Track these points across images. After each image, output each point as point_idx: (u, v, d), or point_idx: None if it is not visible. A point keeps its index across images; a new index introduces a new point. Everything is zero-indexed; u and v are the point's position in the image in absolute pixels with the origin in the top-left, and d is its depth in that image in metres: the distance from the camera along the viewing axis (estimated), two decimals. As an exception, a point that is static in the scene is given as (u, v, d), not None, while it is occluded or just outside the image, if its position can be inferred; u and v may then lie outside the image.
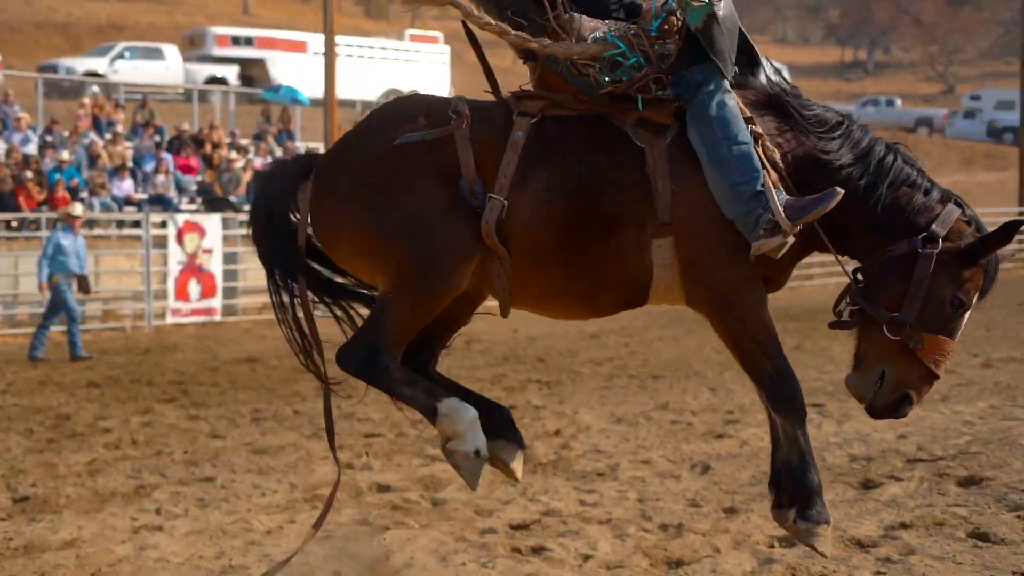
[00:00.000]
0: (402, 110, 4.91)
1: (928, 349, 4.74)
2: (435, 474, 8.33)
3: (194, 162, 24.52)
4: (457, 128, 4.65)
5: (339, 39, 30.75)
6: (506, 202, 4.61)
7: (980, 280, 4.84)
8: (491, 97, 5.05)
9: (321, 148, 24.46)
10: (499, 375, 13.42)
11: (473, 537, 6.84)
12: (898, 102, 63.93)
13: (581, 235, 4.67)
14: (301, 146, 27.30)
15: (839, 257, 4.95)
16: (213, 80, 38.55)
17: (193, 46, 43.13)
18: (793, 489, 4.76)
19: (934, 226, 4.76)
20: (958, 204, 4.90)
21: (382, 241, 4.67)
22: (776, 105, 4.88)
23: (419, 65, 43.72)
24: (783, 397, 4.71)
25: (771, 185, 4.55)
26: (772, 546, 6.56)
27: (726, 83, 4.67)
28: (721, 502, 7.55)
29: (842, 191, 4.53)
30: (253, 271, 18.75)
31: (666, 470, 8.45)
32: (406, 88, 42.08)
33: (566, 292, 4.87)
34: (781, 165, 4.72)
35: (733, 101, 4.66)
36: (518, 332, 18.22)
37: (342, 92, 28.83)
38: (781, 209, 4.48)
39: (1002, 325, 17.75)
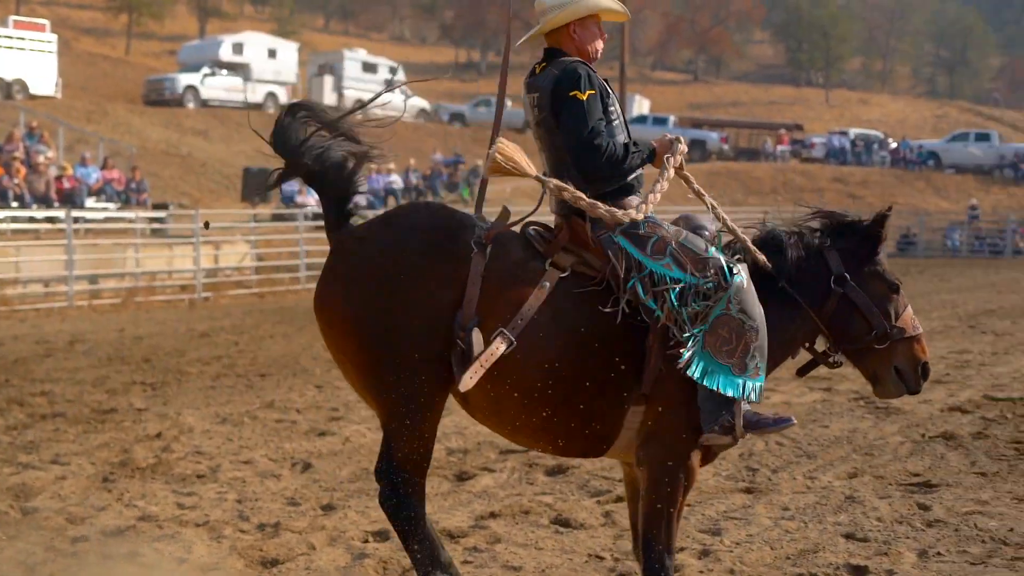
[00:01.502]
0: (431, 217, 5.08)
1: (905, 327, 5.34)
2: (26, 482, 7.98)
3: None
4: (476, 260, 4.86)
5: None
6: (516, 342, 4.78)
7: (883, 258, 5.46)
8: None
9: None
10: (102, 376, 12.92)
11: (64, 546, 6.63)
12: (510, 103, 66.32)
13: (572, 389, 4.89)
14: None
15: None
16: None
17: None
18: None
19: (832, 266, 5.35)
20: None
21: (374, 375, 4.91)
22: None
23: (24, 53, 41.33)
24: (654, 573, 4.98)
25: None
26: (366, 541, 6.72)
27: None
28: (320, 499, 7.65)
29: (795, 422, 5.07)
30: None
31: (267, 469, 8.46)
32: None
33: (542, 430, 5.04)
34: None
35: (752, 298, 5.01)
36: (124, 332, 17.68)
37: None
38: (741, 420, 4.88)
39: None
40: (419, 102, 56.31)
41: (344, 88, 52.00)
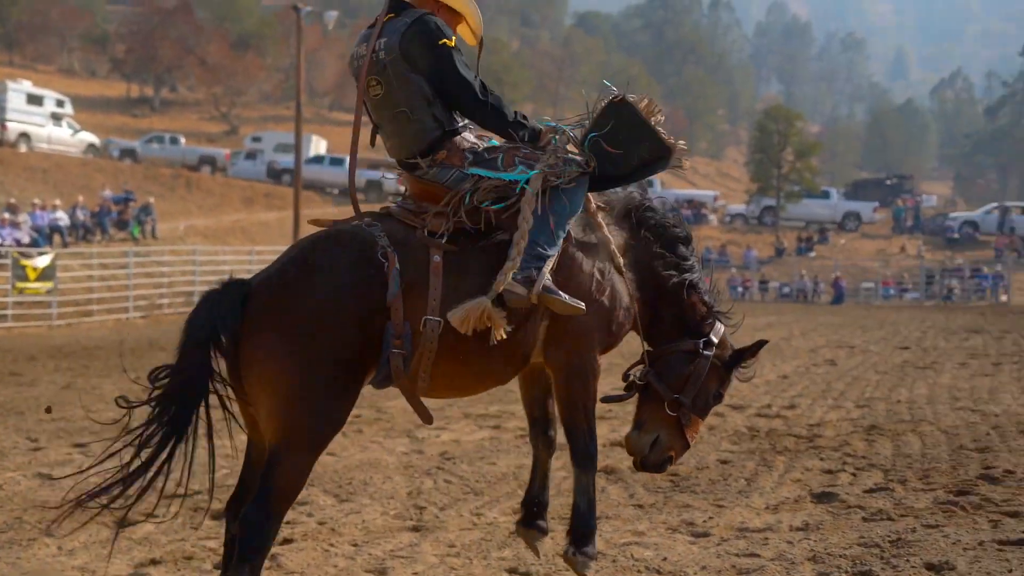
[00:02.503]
0: (338, 249, 5.18)
1: (692, 427, 5.99)
2: None
3: None
4: (390, 270, 5.11)
5: None
6: (441, 320, 5.15)
7: (730, 382, 6.13)
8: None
9: None
10: None
11: None
12: (182, 140, 64.74)
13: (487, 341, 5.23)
14: None
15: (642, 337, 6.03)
16: None
17: None
18: (578, 528, 5.69)
19: (712, 335, 5.97)
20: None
21: (289, 406, 4.96)
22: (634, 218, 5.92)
23: None
24: (588, 453, 5.66)
25: (547, 270, 5.32)
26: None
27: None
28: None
29: (584, 307, 5.38)
30: None
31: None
32: None
33: (485, 374, 5.47)
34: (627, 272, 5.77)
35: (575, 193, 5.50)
36: None
37: None
38: (526, 284, 5.25)
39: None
40: (88, 137, 54.25)
41: (7, 120, 49.42)
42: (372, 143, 5.78)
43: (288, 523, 7.43)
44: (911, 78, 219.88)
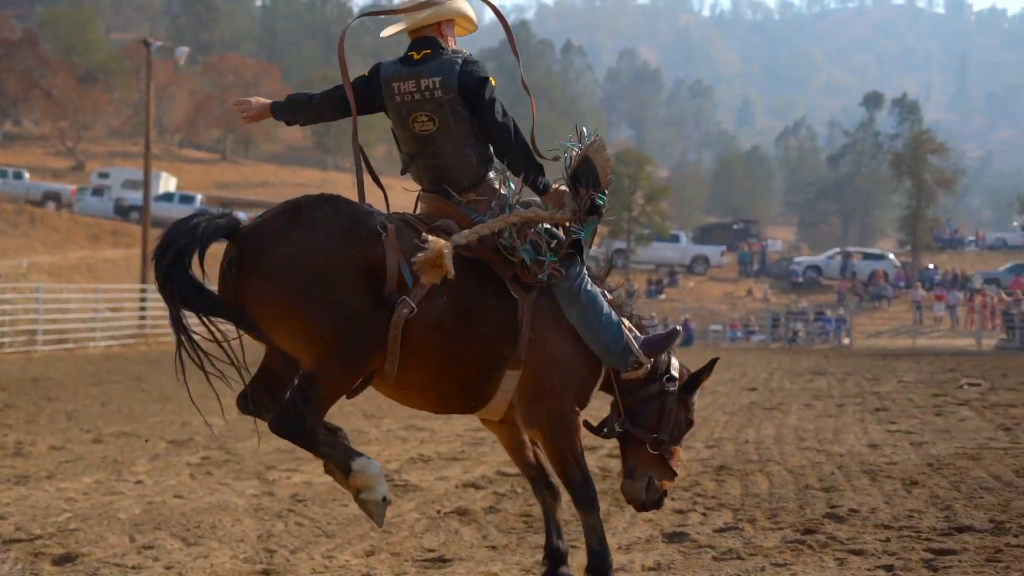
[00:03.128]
0: (337, 210, 5.57)
1: (674, 457, 6.43)
2: None
3: None
4: (387, 237, 5.51)
5: None
6: (416, 308, 5.50)
7: (694, 404, 6.58)
8: None
9: None
10: None
11: None
12: (27, 175, 63.07)
13: (460, 350, 5.74)
14: None
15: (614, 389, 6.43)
16: None
17: None
18: (596, 565, 6.13)
19: (672, 371, 6.43)
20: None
21: (315, 330, 5.35)
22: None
23: None
24: (588, 498, 6.12)
25: (629, 336, 6.14)
26: None
27: (586, 272, 6.18)
28: None
29: (680, 330, 6.21)
30: None
31: None
32: None
33: (431, 388, 5.87)
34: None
35: (593, 285, 6.17)
36: None
37: None
38: (641, 352, 6.13)
39: (117, 400, 18.19)
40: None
41: None
42: (404, 172, 6.26)
43: (133, 568, 7.23)
44: (757, 126, 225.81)
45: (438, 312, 5.64)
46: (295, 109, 6.37)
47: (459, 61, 5.91)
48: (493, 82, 5.94)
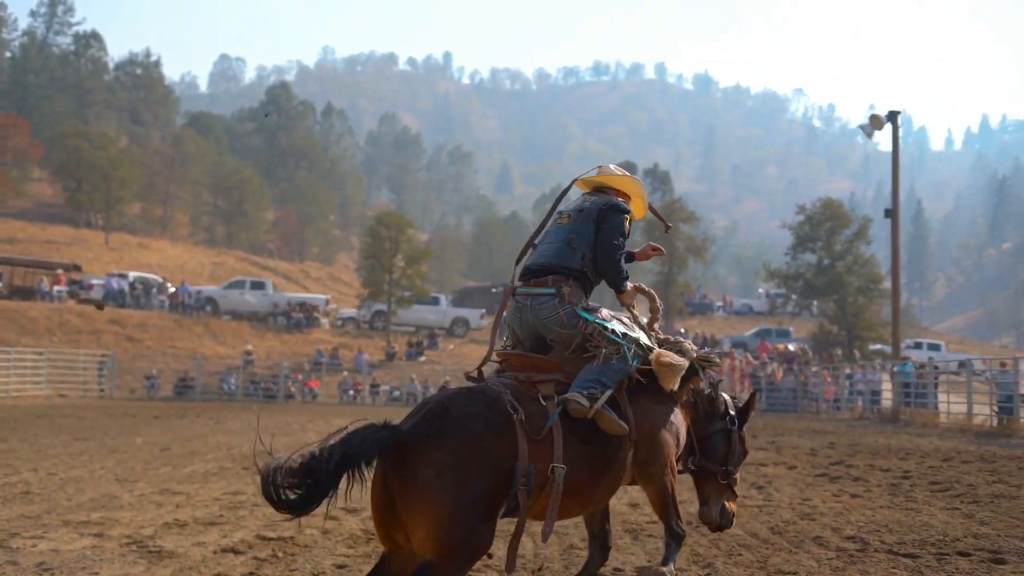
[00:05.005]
0: (473, 402, 6.13)
1: (738, 483, 7.52)
2: None
3: None
4: (518, 422, 6.10)
5: None
6: (565, 467, 6.19)
7: (745, 436, 7.64)
8: None
9: None
10: None
11: None
12: None
13: (603, 468, 6.54)
14: None
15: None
16: None
17: None
18: (668, 557, 6.95)
19: (731, 411, 7.49)
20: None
21: (449, 534, 5.69)
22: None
23: None
24: (677, 535, 6.96)
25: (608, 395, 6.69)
26: None
27: None
28: None
29: (627, 428, 6.66)
30: None
31: None
32: None
33: (591, 504, 6.68)
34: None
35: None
36: None
37: None
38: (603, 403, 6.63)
39: None
40: None
41: None
42: (520, 257, 7.42)
43: None
44: (515, 192, 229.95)
45: (578, 452, 6.36)
46: None
47: (614, 201, 7.23)
48: (630, 217, 7.27)
